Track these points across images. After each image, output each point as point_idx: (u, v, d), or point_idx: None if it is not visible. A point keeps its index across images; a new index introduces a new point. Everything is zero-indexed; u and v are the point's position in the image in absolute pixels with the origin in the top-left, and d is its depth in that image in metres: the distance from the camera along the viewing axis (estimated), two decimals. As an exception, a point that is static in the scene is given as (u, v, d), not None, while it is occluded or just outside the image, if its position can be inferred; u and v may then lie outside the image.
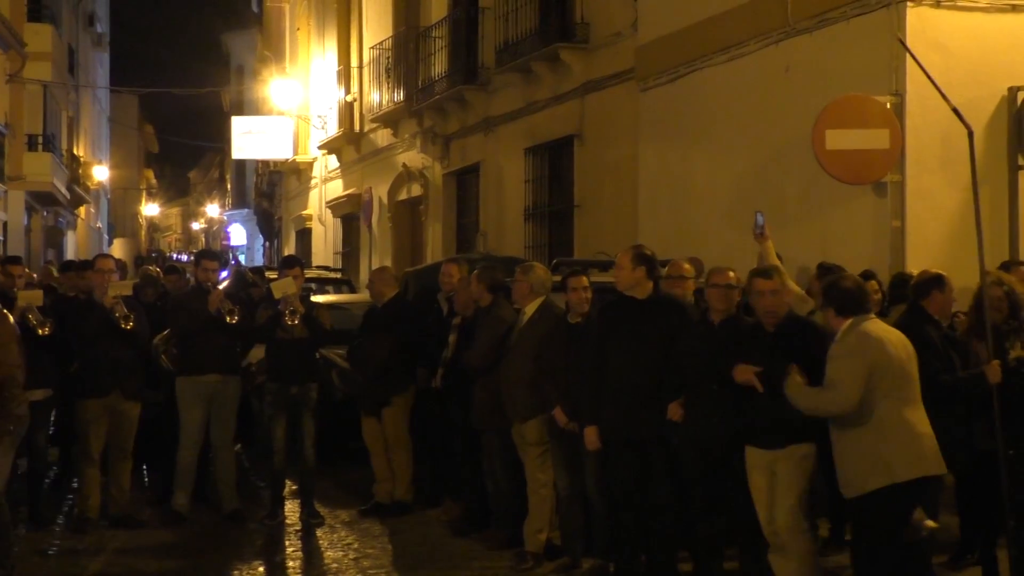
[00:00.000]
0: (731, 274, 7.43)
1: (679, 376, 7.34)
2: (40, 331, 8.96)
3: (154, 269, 12.50)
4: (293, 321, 9.45)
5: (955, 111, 7.36)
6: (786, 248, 9.51)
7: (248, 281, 12.87)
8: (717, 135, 12.99)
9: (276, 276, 10.62)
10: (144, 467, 10.97)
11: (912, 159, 10.49)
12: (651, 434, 7.40)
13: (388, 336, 9.93)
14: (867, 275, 8.47)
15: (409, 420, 10.05)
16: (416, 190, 22.63)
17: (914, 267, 9.15)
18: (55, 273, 13.67)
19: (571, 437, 7.91)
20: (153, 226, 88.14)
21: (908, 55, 9.22)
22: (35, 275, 14.82)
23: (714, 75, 13.01)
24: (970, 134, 7.29)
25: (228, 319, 9.49)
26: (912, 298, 7.59)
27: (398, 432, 10.02)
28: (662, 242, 12.85)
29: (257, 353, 10.44)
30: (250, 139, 32.15)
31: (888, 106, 10.32)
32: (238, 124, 33.13)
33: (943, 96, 7.40)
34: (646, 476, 7.49)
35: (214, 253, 11.07)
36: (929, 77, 7.68)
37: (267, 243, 42.25)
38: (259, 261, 42.22)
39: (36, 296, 9.29)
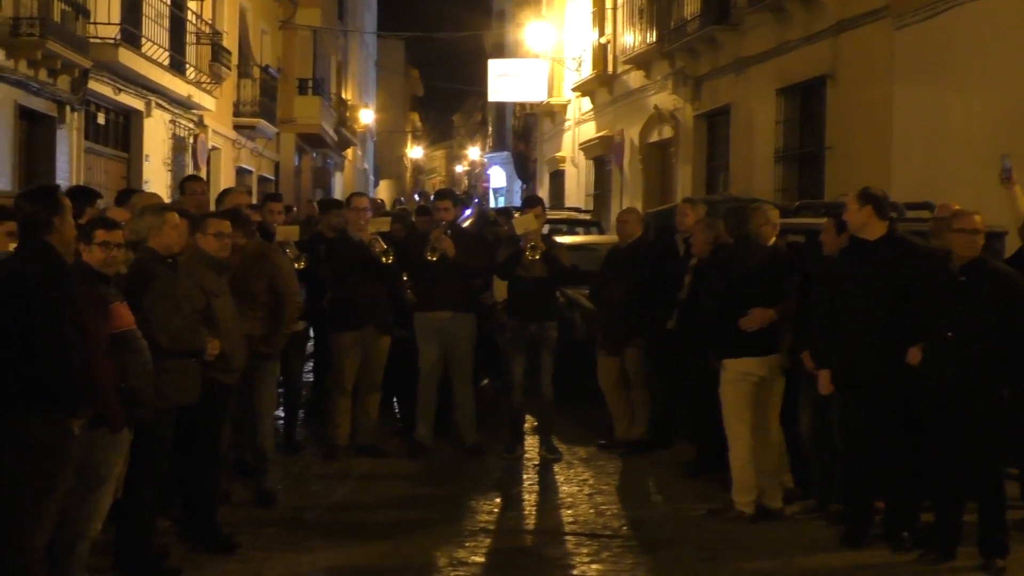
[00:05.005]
0: (977, 218, 7.18)
1: (917, 320, 7.17)
2: (297, 265, 9.46)
3: (412, 205, 12.93)
4: (534, 256, 9.63)
5: None
6: (1041, 194, 9.07)
7: (489, 219, 13.16)
8: (975, 74, 12.41)
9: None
10: (394, 399, 11.38)
11: None
12: (881, 378, 7.28)
13: (629, 277, 10.04)
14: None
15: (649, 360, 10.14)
16: (667, 132, 22.49)
17: None
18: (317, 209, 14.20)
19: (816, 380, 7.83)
20: (418, 168, 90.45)
21: None
22: (295, 208, 15.52)
23: (973, 11, 12.41)
24: None
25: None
26: None
27: (639, 371, 10.14)
28: (914, 186, 12.45)
29: (503, 292, 10.70)
30: (505, 81, 32.59)
31: None
32: (494, 67, 33.59)
33: None
34: (878, 421, 7.38)
35: (446, 192, 11.31)
36: None
37: (524, 185, 42.79)
38: (517, 203, 42.79)
39: (292, 231, 9.74)
